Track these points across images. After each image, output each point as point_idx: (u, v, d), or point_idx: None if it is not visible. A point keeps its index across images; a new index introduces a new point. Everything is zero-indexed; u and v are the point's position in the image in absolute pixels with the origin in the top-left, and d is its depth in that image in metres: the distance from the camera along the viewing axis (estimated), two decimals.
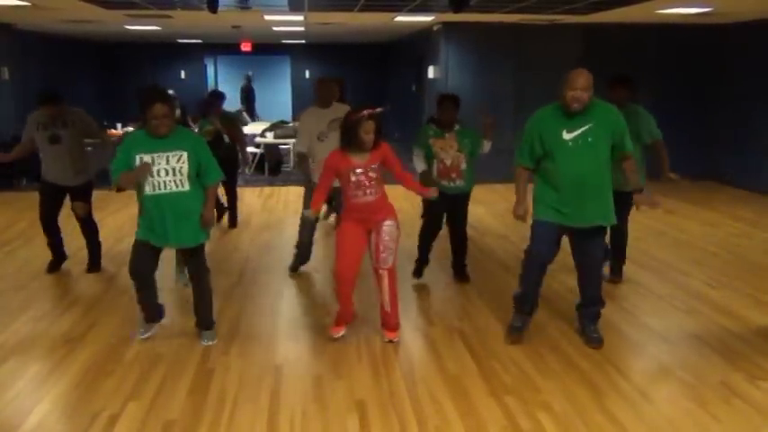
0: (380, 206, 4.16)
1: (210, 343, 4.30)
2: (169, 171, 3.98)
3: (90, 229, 5.87)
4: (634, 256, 6.01)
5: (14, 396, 3.61)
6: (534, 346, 4.27)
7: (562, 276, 5.55)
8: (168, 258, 5.25)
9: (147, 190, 3.99)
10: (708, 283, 5.57)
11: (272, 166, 11.38)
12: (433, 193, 4.29)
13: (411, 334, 4.51)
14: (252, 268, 6.05)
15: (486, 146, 5.22)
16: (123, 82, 16.02)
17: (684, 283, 5.55)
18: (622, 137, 4.00)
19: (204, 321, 4.38)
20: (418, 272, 5.62)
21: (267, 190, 10.06)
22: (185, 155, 4.00)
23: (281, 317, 4.87)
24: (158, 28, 11.76)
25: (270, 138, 11.53)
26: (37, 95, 5.49)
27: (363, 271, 5.86)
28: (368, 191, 4.08)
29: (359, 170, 4.04)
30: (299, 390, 3.69)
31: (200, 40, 15.90)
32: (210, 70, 18.07)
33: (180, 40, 15.81)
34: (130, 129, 11.31)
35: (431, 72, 11.16)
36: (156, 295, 4.38)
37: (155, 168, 3.94)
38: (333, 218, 7.14)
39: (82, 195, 5.62)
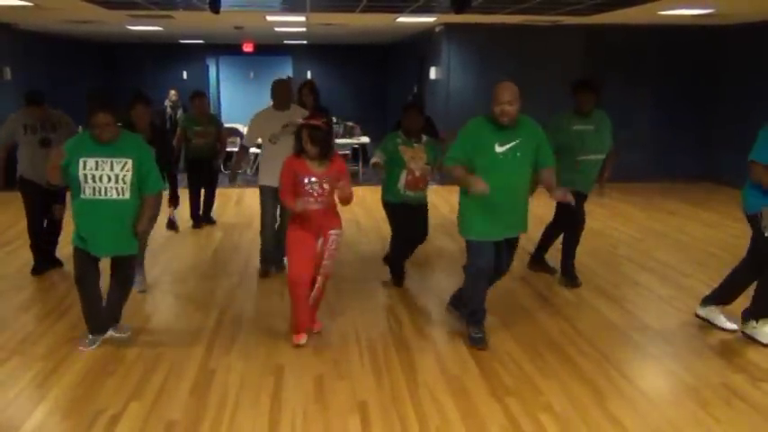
0: (327, 215, 4.20)
1: (126, 335, 4.30)
2: (112, 177, 3.90)
3: (57, 233, 5.86)
4: (635, 257, 6.01)
5: (16, 395, 3.62)
6: (535, 347, 4.28)
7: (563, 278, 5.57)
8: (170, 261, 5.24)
9: (87, 194, 3.91)
10: (708, 284, 5.55)
11: None
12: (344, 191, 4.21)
13: (412, 334, 4.51)
14: (253, 269, 6.05)
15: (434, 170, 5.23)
16: (125, 82, 16.02)
17: (685, 284, 5.55)
18: (547, 151, 4.16)
19: (116, 317, 4.34)
20: (400, 281, 5.54)
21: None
22: (130, 162, 3.94)
23: (283, 317, 4.87)
24: (160, 28, 11.77)
25: None
26: (25, 95, 5.46)
27: (367, 276, 5.87)
28: (318, 199, 4.11)
29: (313, 178, 4.07)
30: (300, 390, 3.70)
31: (201, 41, 15.92)
32: (212, 71, 18.08)
33: (182, 41, 15.82)
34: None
35: (433, 73, 11.17)
36: (99, 305, 4.23)
37: (97, 173, 3.87)
38: None
39: (62, 198, 5.54)
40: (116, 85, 16.11)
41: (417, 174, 5.10)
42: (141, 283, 5.27)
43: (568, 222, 5.42)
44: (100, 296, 4.24)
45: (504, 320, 4.72)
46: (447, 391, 3.69)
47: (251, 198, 9.47)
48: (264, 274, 5.78)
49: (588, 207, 5.47)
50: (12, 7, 8.19)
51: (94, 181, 3.88)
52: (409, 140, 5.12)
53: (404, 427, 3.32)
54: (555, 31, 10.32)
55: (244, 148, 5.88)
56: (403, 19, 9.81)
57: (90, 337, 4.22)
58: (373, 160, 5.25)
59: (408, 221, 5.28)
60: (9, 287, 5.47)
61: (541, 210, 5.67)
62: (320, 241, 4.23)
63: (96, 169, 3.87)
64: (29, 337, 4.44)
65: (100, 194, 3.90)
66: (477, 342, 4.27)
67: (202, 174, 7.57)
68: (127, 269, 4.24)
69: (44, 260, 5.83)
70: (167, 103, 13.58)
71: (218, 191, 7.93)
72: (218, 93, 18.31)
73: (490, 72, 10.62)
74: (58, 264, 5.93)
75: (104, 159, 3.89)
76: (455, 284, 5.56)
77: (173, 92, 13.60)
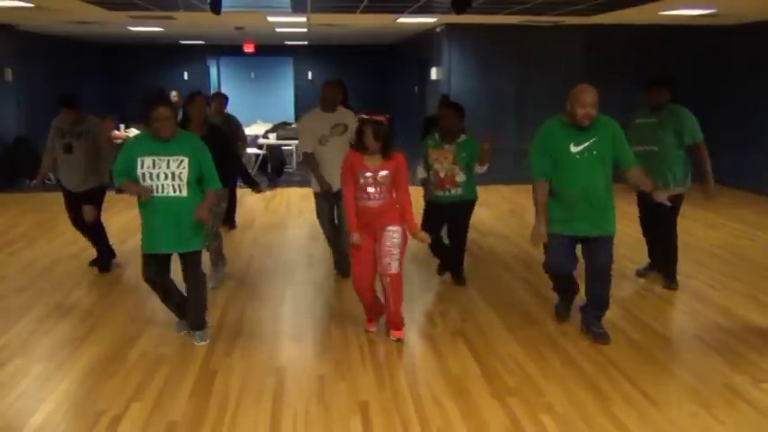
0: (383, 212, 4.17)
1: (203, 343, 4.30)
2: (168, 175, 4.00)
3: (97, 233, 5.86)
4: (636, 258, 6.01)
5: (18, 396, 3.62)
6: (537, 348, 4.27)
7: None
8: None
9: None
10: (710, 285, 5.56)
11: (274, 168, 11.38)
12: (424, 239, 4.33)
13: (414, 335, 4.51)
14: (255, 269, 6.05)
15: (480, 169, 5.12)
16: (126, 83, 16.04)
17: (687, 284, 5.54)
18: (625, 150, 4.13)
19: (196, 322, 4.37)
20: (441, 271, 5.74)
21: (270, 192, 10.06)
22: (186, 160, 4.03)
23: (284, 318, 4.88)
24: (161, 29, 11.78)
25: (272, 139, 11.54)
26: (59, 98, 5.49)
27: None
28: (373, 196, 4.12)
29: (368, 173, 4.10)
30: (301, 391, 3.69)
31: (202, 42, 15.92)
32: (213, 71, 18.08)
33: (183, 42, 15.83)
34: (133, 130, 11.32)
35: (433, 73, 11.17)
36: (179, 295, 4.41)
37: (155, 171, 3.98)
38: None
39: (89, 200, 5.57)
40: (118, 86, 16.12)
41: (441, 175, 5.13)
42: (216, 279, 5.48)
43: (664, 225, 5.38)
44: (175, 288, 4.39)
45: (505, 321, 4.71)
46: (448, 391, 3.69)
47: (252, 199, 9.48)
48: (345, 275, 5.59)
49: None
50: (13, 8, 8.20)
51: (152, 179, 3.99)
52: (441, 142, 5.13)
53: (405, 427, 3.32)
54: (556, 31, 10.31)
55: (306, 155, 5.47)
56: (403, 19, 9.81)
57: (182, 321, 4.46)
58: (421, 176, 5.34)
59: (437, 220, 5.32)
60: (11, 288, 5.48)
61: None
62: (382, 239, 4.20)
63: (153, 167, 3.98)
64: (30, 338, 4.44)
65: (158, 192, 4.00)
66: (559, 309, 4.67)
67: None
68: (193, 265, 4.27)
69: (103, 254, 5.96)
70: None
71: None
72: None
73: (491, 72, 10.63)
74: (112, 254, 6.05)
75: (161, 158, 3.99)
76: (457, 286, 5.56)
77: (174, 93, 13.61)
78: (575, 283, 4.55)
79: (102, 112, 12.99)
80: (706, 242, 6.96)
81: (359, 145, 4.13)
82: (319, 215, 5.53)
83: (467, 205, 5.31)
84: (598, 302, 4.35)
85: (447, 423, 3.36)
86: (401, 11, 8.74)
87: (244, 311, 4.97)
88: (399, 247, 4.21)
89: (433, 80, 11.21)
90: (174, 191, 4.02)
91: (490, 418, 3.40)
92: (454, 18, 9.00)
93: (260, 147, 11.66)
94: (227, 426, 3.33)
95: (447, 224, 5.42)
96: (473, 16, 8.95)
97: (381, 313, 4.47)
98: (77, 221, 5.76)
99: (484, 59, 10.62)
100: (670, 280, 5.43)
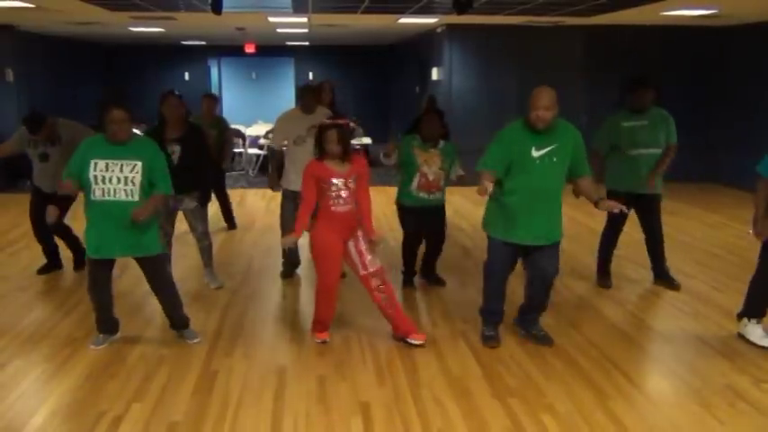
0: (353, 216, 4.20)
1: (196, 340, 4.32)
2: (121, 179, 3.95)
3: (62, 231, 5.78)
4: (638, 259, 6.00)
5: (19, 396, 3.62)
6: (538, 349, 4.27)
7: (569, 281, 5.56)
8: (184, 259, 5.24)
9: (97, 195, 3.96)
10: (711, 285, 5.56)
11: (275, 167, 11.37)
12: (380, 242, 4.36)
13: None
14: (255, 270, 6.06)
15: (454, 176, 5.14)
16: (127, 84, 16.03)
17: (688, 285, 5.54)
18: (582, 160, 4.10)
19: (178, 322, 4.37)
20: (407, 282, 5.50)
21: (271, 192, 10.04)
22: (140, 165, 3.97)
23: (285, 318, 4.87)
24: (162, 30, 11.78)
25: None
26: (24, 123, 5.43)
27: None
28: (343, 200, 4.12)
29: (337, 180, 4.10)
30: (302, 391, 3.69)
31: (203, 42, 15.92)
32: (214, 72, 18.08)
33: (184, 42, 15.83)
34: (135, 131, 11.31)
35: (434, 74, 11.17)
36: (110, 309, 4.31)
37: (107, 174, 3.92)
38: None
39: (59, 203, 5.13)
40: (119, 86, 16.11)
41: (430, 178, 5.09)
42: (217, 280, 5.56)
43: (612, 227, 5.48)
44: (110, 301, 4.30)
45: (505, 321, 4.70)
46: (449, 392, 3.69)
47: (253, 199, 9.48)
48: (286, 275, 5.81)
49: (587, 208, 5.45)
50: (14, 9, 8.20)
51: (104, 182, 3.93)
52: (425, 144, 5.10)
53: (406, 428, 3.32)
54: (557, 31, 10.31)
55: (271, 150, 5.85)
56: (405, 20, 9.81)
57: (100, 336, 4.29)
58: (384, 151, 5.31)
59: (422, 223, 5.28)
60: (12, 288, 5.48)
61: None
62: (351, 243, 4.23)
63: (106, 171, 3.93)
64: (31, 338, 4.44)
65: (109, 195, 3.95)
66: (486, 340, 4.32)
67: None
68: (157, 271, 4.24)
69: (55, 264, 5.91)
70: None
71: (162, 201, 7.84)
72: (220, 94, 18.33)
73: (492, 73, 10.62)
74: (59, 265, 5.96)
75: (115, 161, 3.94)
76: (456, 284, 5.56)
77: (176, 92, 13.61)
78: (503, 295, 4.35)
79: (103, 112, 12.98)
80: (706, 242, 6.95)
81: (320, 152, 4.12)
82: (282, 214, 5.61)
83: (443, 207, 5.36)
84: (540, 306, 4.35)
85: (448, 423, 3.36)
86: (402, 11, 8.73)
87: (245, 312, 4.97)
88: (376, 244, 4.30)
89: (434, 80, 11.21)
90: (127, 195, 3.96)
91: (491, 419, 3.40)
92: (455, 18, 9.00)
93: (261, 147, 11.66)
94: (229, 426, 3.32)
95: (425, 228, 5.34)
96: (474, 17, 8.94)
97: (407, 331, 4.32)
98: (40, 225, 5.59)
99: (485, 60, 10.62)
100: (670, 280, 5.45)
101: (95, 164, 3.94)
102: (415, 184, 5.13)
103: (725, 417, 3.42)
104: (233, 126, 13.26)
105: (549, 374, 3.90)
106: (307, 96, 5.49)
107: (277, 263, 6.25)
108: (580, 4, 7.69)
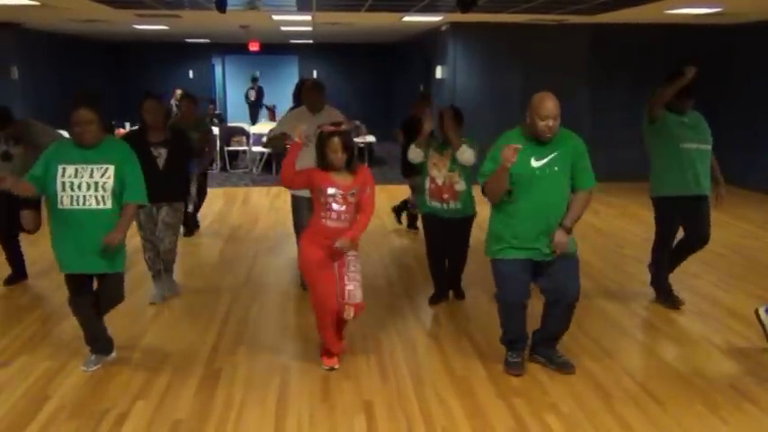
0: (344, 234, 3.70)
1: (94, 368, 3.87)
2: (91, 185, 3.59)
3: (15, 243, 5.48)
4: (642, 257, 5.99)
5: (23, 394, 3.62)
6: None
7: None
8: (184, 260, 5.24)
9: (65, 204, 3.59)
10: (717, 285, 5.54)
11: (279, 166, 11.38)
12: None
13: (419, 335, 4.50)
14: (259, 268, 6.06)
15: (459, 157, 4.61)
16: (131, 81, 16.06)
17: (693, 285, 5.52)
18: (584, 168, 3.74)
19: (104, 347, 3.98)
20: (434, 299, 5.11)
21: (274, 189, 10.06)
22: (112, 169, 3.63)
23: (289, 316, 4.87)
24: (167, 28, 11.78)
25: None
26: None
27: (373, 276, 5.86)
28: (336, 215, 3.70)
29: (333, 189, 3.68)
30: (306, 390, 3.69)
31: (207, 40, 15.94)
32: (218, 70, 18.10)
33: (188, 40, 15.85)
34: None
35: (438, 72, 11.15)
36: (99, 325, 3.98)
37: (76, 181, 3.58)
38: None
39: (30, 206, 4.93)
40: (123, 84, 16.15)
41: (439, 182, 4.71)
42: (170, 288, 5.23)
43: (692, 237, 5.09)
44: (96, 316, 3.95)
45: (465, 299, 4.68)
46: (453, 391, 3.68)
47: (257, 197, 9.49)
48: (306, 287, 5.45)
49: (595, 206, 5.42)
50: (19, 6, 8.21)
51: (72, 189, 3.57)
52: (443, 146, 4.71)
53: (410, 427, 3.31)
54: (561, 30, 10.29)
55: (273, 134, 5.40)
56: (409, 18, 9.80)
57: (92, 357, 3.97)
58: (417, 159, 4.82)
59: (437, 236, 4.92)
60: (14, 288, 5.48)
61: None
62: (336, 264, 3.81)
63: (76, 176, 3.58)
64: (34, 336, 4.45)
65: (78, 204, 3.58)
66: (510, 366, 3.90)
67: None
68: (114, 288, 3.86)
69: (21, 274, 5.61)
70: (173, 101, 13.61)
71: (223, 190, 7.92)
72: (225, 92, 18.34)
73: (496, 71, 10.60)
74: (24, 276, 5.64)
75: (84, 166, 3.60)
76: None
77: (179, 91, 13.61)
78: (525, 321, 3.90)
79: (106, 109, 13.01)
80: (712, 242, 6.90)
81: (322, 161, 3.73)
82: (295, 223, 5.33)
83: (464, 222, 4.87)
84: (561, 333, 3.95)
85: (452, 423, 3.35)
86: (406, 9, 8.72)
87: (248, 310, 4.97)
88: (360, 274, 3.84)
89: (438, 78, 11.20)
90: (98, 203, 3.60)
91: (495, 418, 3.39)
92: (459, 17, 8.98)
93: (265, 145, 11.65)
94: (232, 424, 3.33)
95: (445, 241, 4.95)
96: (478, 15, 8.92)
97: (340, 350, 4.02)
98: (9, 231, 5.38)
99: (489, 58, 10.60)
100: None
101: (64, 169, 3.59)
102: (426, 191, 4.81)
103: (730, 417, 3.41)
104: (237, 124, 13.34)
105: (552, 374, 3.89)
106: (313, 94, 5.13)
107: (282, 260, 6.26)
108: (584, 3, 7.66)
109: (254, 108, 16.85)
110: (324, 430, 3.29)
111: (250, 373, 3.89)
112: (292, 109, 6.49)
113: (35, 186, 3.63)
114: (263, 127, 12.79)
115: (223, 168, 11.82)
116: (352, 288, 3.77)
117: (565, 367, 3.91)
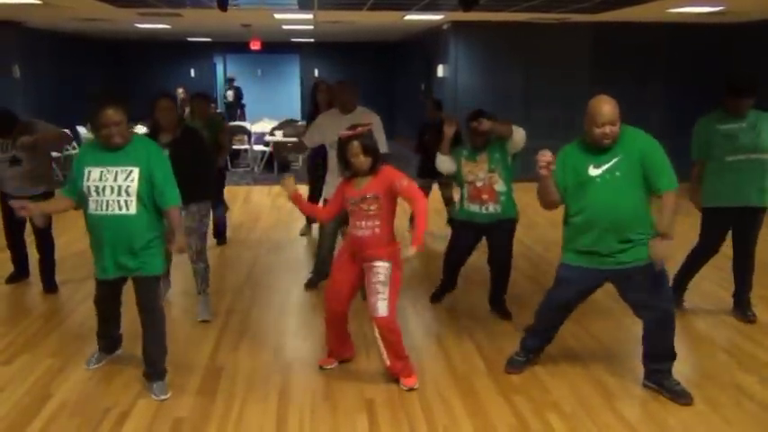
0: (373, 243, 3.56)
1: (163, 397, 3.56)
2: (115, 189, 3.39)
3: (45, 245, 5.30)
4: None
5: (25, 393, 3.63)
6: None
7: None
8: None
9: (92, 209, 3.44)
10: (720, 285, 5.53)
11: (280, 165, 11.40)
12: (410, 252, 3.39)
13: (421, 334, 4.50)
14: (261, 266, 6.06)
15: (514, 140, 4.46)
16: (133, 80, 16.07)
17: (696, 284, 5.50)
18: (658, 169, 3.47)
19: (155, 370, 3.66)
20: (437, 296, 5.10)
21: (276, 188, 10.06)
22: (136, 171, 3.41)
23: (291, 315, 4.88)
24: (169, 26, 11.79)
25: (279, 136, 11.55)
26: None
27: None
28: (362, 223, 3.56)
29: (353, 199, 3.57)
30: (308, 388, 3.69)
31: (209, 39, 15.94)
32: (220, 69, 18.11)
33: (189, 39, 15.86)
34: (140, 128, 11.33)
35: (440, 71, 11.15)
36: (113, 328, 3.98)
37: (101, 184, 3.40)
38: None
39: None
40: (125, 83, 16.16)
41: (479, 185, 4.52)
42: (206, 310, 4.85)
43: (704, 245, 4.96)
44: (116, 321, 3.96)
45: (506, 321, 4.69)
46: (455, 389, 3.68)
47: (259, 196, 9.49)
48: (310, 285, 5.42)
49: None
50: (21, 5, 8.22)
51: (98, 194, 3.40)
52: (474, 153, 4.56)
53: (411, 425, 3.31)
54: (562, 28, 10.28)
55: (303, 145, 5.39)
56: (410, 17, 9.79)
57: (96, 354, 3.97)
58: (449, 170, 4.67)
59: (467, 241, 4.76)
60: (16, 286, 5.48)
61: None
62: (366, 275, 3.65)
63: (100, 180, 3.40)
64: (37, 334, 4.45)
65: (102, 209, 3.41)
66: (512, 365, 3.90)
67: None
68: (148, 293, 3.62)
69: (23, 273, 5.56)
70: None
71: (225, 189, 7.90)
72: (226, 91, 18.35)
73: (498, 70, 10.60)
74: (26, 274, 5.58)
75: (109, 169, 3.40)
76: (462, 281, 5.54)
77: (180, 90, 13.65)
78: (557, 323, 3.87)
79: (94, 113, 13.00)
80: None
81: (345, 168, 3.62)
82: (321, 233, 5.30)
83: (505, 225, 4.62)
84: (667, 355, 3.67)
85: (453, 421, 3.35)
86: (408, 8, 8.72)
87: (250, 308, 4.97)
88: (389, 287, 3.56)
89: (440, 77, 11.19)
90: (121, 208, 3.39)
91: (496, 417, 3.39)
92: (461, 15, 8.98)
93: (266, 144, 11.67)
94: (234, 422, 3.33)
95: (487, 248, 4.78)
96: (480, 13, 8.92)
97: (345, 354, 3.98)
98: (17, 233, 5.34)
99: (490, 56, 10.60)
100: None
101: (89, 172, 3.41)
102: (465, 195, 4.63)
103: (732, 416, 3.41)
104: (238, 123, 13.33)
105: (554, 372, 3.88)
106: (345, 94, 4.95)
107: (283, 259, 6.26)
108: (585, 2, 7.66)
109: (233, 109, 16.79)
110: (325, 429, 3.29)
111: (251, 372, 3.89)
112: (312, 111, 6.37)
113: (73, 199, 3.54)
114: (265, 125, 12.79)
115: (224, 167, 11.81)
116: (374, 300, 3.55)
117: (681, 396, 3.56)
